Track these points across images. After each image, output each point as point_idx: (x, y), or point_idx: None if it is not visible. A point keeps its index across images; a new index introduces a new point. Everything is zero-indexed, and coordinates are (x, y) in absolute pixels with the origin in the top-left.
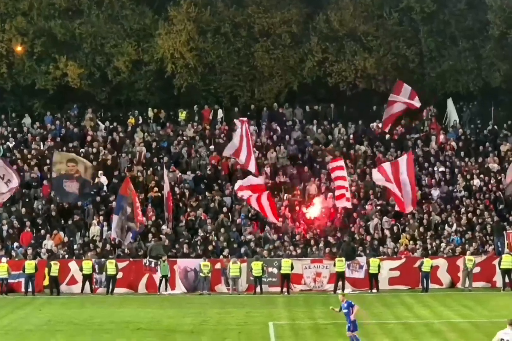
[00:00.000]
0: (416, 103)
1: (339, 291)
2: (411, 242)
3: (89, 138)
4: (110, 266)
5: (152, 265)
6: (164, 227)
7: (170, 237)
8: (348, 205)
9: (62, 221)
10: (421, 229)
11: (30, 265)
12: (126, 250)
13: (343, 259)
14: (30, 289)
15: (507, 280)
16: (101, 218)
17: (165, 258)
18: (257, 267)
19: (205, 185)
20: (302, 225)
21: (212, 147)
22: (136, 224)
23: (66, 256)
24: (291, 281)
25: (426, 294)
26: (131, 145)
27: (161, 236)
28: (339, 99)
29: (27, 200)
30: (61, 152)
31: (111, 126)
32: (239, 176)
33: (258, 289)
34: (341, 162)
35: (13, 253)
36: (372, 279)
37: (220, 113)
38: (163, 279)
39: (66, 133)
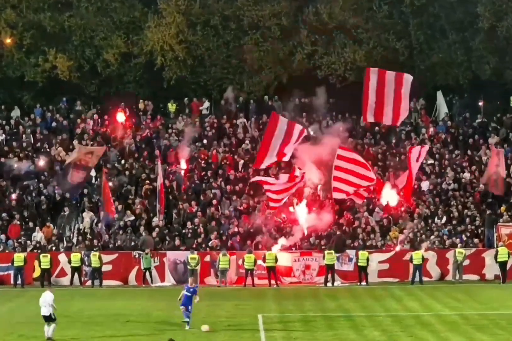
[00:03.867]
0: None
1: (329, 284)
2: (401, 234)
3: (78, 130)
4: (94, 259)
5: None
6: (155, 219)
7: (161, 229)
8: (344, 196)
9: (52, 214)
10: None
11: (19, 258)
12: (117, 243)
13: (333, 251)
14: (19, 282)
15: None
16: (91, 211)
17: (147, 250)
18: (249, 259)
19: (196, 177)
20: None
21: (204, 141)
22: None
23: (54, 248)
24: (281, 273)
25: (415, 286)
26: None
27: (153, 228)
28: (328, 92)
29: (17, 192)
30: (82, 146)
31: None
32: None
33: (249, 281)
34: (352, 154)
35: (1, 246)
36: (361, 272)
37: (207, 104)
38: (146, 272)
39: (56, 126)
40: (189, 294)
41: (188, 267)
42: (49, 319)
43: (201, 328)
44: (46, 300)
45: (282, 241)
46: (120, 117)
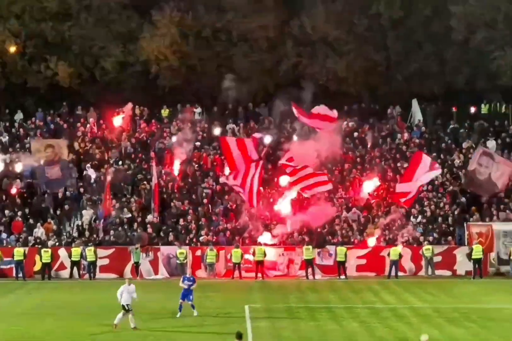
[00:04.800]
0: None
1: (310, 277)
2: (377, 232)
3: (79, 133)
4: (89, 253)
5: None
6: (150, 216)
7: (155, 226)
8: (329, 187)
9: (53, 211)
10: (388, 220)
11: (19, 252)
12: (112, 238)
13: (310, 247)
14: (20, 275)
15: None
16: (89, 208)
17: (137, 246)
18: (236, 254)
19: (188, 178)
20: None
21: (197, 143)
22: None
23: (56, 243)
24: (266, 267)
25: (391, 280)
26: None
27: (147, 225)
28: (312, 99)
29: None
30: (38, 140)
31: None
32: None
33: (236, 274)
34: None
35: (4, 241)
36: (340, 266)
37: (199, 110)
38: (136, 265)
39: (56, 129)
40: (190, 283)
41: (177, 261)
42: (127, 308)
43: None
44: (130, 290)
45: (267, 234)
46: (117, 121)
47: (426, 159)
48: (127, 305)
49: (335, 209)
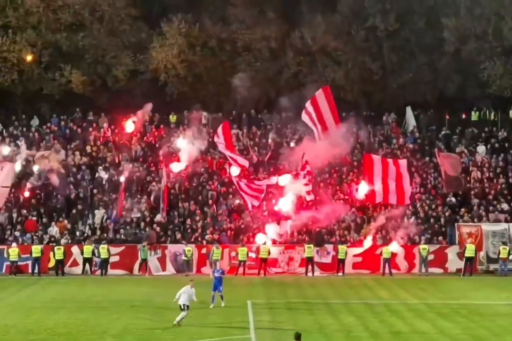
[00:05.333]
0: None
1: (309, 274)
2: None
3: (91, 138)
4: (103, 251)
5: (146, 249)
6: (158, 216)
7: (163, 225)
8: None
9: (67, 211)
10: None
11: (36, 249)
12: (122, 236)
13: (312, 245)
14: (36, 271)
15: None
16: (101, 208)
17: (145, 244)
18: (242, 252)
19: (195, 180)
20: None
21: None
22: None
23: (68, 241)
24: (268, 264)
25: (385, 277)
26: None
27: (154, 224)
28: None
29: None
30: (32, 152)
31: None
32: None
33: (241, 271)
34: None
35: (20, 239)
36: (339, 264)
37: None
38: (143, 262)
39: (70, 133)
40: (219, 275)
41: (184, 258)
42: (182, 307)
43: None
44: (189, 293)
45: (269, 232)
46: (129, 127)
47: (376, 160)
48: (183, 305)
49: (346, 207)
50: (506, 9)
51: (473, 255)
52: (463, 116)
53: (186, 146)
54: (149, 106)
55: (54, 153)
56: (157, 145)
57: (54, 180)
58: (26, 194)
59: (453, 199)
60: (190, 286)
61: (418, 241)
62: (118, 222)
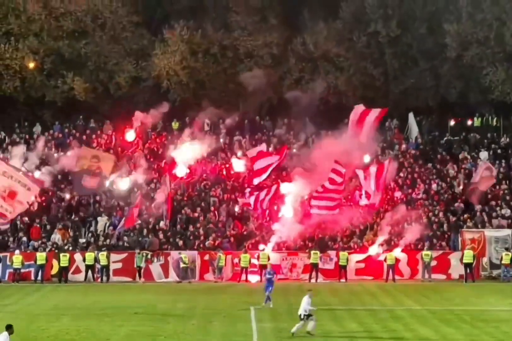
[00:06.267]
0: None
1: (312, 280)
2: (376, 238)
3: (94, 145)
4: (102, 258)
5: (149, 256)
6: (161, 223)
7: (166, 232)
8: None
9: (69, 218)
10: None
11: (41, 256)
12: (125, 243)
13: (318, 251)
14: (39, 278)
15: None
16: (104, 215)
17: (138, 250)
18: (245, 259)
19: (197, 187)
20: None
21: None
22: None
23: (70, 248)
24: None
25: (388, 283)
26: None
27: (158, 231)
28: (313, 112)
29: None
30: (87, 148)
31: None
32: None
33: (243, 277)
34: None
35: (23, 246)
36: (341, 270)
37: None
38: (138, 269)
39: (72, 140)
40: (270, 276)
41: (182, 264)
42: (306, 316)
43: None
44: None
45: (273, 240)
46: (130, 136)
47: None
48: (304, 315)
49: (359, 213)
50: (508, 14)
51: (472, 261)
52: (466, 122)
53: (189, 153)
54: (165, 107)
55: (110, 156)
56: (159, 152)
57: (92, 182)
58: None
59: (461, 205)
60: (308, 296)
61: (421, 246)
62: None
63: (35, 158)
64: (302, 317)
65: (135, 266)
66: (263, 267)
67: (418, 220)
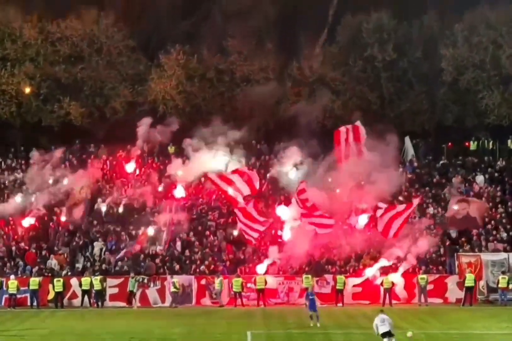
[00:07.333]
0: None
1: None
2: (372, 262)
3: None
4: (96, 282)
5: (145, 281)
6: (158, 247)
7: (163, 257)
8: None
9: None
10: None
11: (34, 282)
12: (125, 267)
13: (310, 276)
14: (35, 303)
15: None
16: (100, 240)
17: (133, 275)
18: (237, 283)
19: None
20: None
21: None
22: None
23: (68, 273)
24: (267, 295)
25: (385, 307)
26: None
27: (154, 255)
28: (310, 136)
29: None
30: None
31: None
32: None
33: (239, 302)
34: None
35: (19, 271)
36: (338, 294)
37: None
38: (131, 294)
39: (69, 165)
40: (312, 297)
41: (173, 289)
42: (389, 334)
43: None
44: (385, 319)
45: (266, 262)
46: (130, 167)
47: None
48: (384, 332)
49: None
50: (503, 37)
51: (473, 285)
52: (462, 145)
53: (185, 176)
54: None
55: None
56: (156, 176)
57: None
58: (26, 223)
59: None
60: (382, 314)
61: (418, 270)
62: (121, 253)
63: (32, 182)
64: (385, 336)
65: (127, 290)
66: (260, 291)
67: (415, 244)
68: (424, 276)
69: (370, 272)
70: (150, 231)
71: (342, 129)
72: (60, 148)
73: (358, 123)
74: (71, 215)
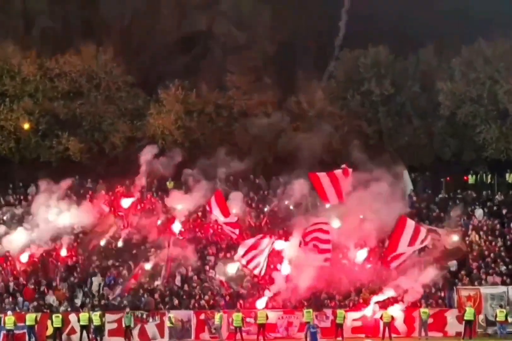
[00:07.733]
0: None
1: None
2: (371, 296)
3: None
4: (95, 318)
5: (144, 316)
6: (157, 282)
7: (162, 291)
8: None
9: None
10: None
11: (30, 317)
12: (124, 302)
13: (311, 310)
14: (33, 339)
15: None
16: (99, 275)
17: (128, 310)
18: (237, 318)
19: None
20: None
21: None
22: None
23: (69, 309)
24: (267, 329)
25: None
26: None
27: (153, 290)
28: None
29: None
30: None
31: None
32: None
33: (238, 337)
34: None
35: (17, 307)
36: (337, 328)
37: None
38: (127, 329)
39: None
40: (314, 330)
41: (168, 324)
42: None
43: None
44: None
45: (265, 297)
46: (125, 203)
47: (410, 224)
48: None
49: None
50: (500, 73)
51: (473, 318)
52: (461, 179)
53: (184, 209)
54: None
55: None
56: (154, 212)
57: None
58: (24, 259)
59: (455, 263)
60: None
61: (419, 304)
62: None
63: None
64: None
65: (123, 326)
66: (261, 326)
67: (416, 278)
68: (426, 309)
69: (369, 311)
70: (147, 266)
71: (320, 174)
72: (67, 180)
73: (343, 166)
74: (87, 244)
